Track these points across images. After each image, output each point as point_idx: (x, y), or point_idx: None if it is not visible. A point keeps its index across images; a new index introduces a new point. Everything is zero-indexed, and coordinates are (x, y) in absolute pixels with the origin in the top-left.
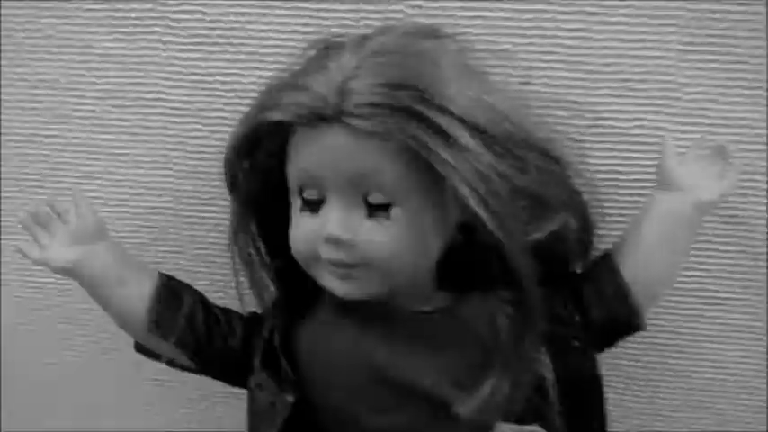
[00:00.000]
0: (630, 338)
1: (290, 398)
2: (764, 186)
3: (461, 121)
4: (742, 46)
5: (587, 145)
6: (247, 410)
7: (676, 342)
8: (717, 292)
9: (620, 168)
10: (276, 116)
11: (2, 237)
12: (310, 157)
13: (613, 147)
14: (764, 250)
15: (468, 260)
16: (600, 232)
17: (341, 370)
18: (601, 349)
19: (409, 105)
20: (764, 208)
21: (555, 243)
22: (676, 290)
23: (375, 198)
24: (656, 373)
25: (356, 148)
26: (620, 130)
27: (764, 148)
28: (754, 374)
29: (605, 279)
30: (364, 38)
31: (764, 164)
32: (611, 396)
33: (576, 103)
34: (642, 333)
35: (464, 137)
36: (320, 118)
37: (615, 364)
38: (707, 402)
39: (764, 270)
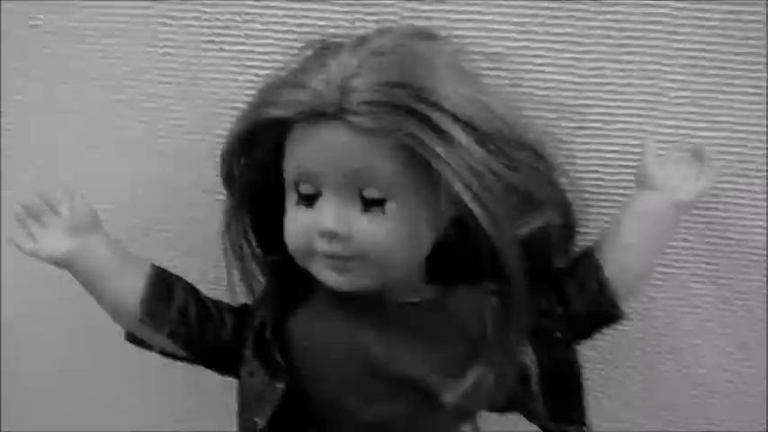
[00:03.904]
0: (629, 338)
1: (280, 385)
2: (751, 187)
3: (456, 118)
4: (727, 51)
5: (573, 146)
6: (237, 399)
7: (675, 341)
8: (716, 292)
9: (603, 168)
10: (276, 113)
11: (2, 235)
12: (308, 152)
13: (598, 148)
14: (763, 250)
15: (456, 253)
16: (582, 229)
17: (334, 361)
18: (582, 339)
19: (406, 103)
20: (749, 209)
21: (540, 239)
22: (676, 289)
23: (370, 193)
24: (656, 372)
25: (354, 145)
26: (604, 132)
27: (746, 150)
28: (754, 374)
29: (587, 274)
30: (363, 38)
31: (746, 166)
32: (608, 395)
33: (563, 105)
34: (639, 331)
35: (459, 134)
36: (320, 115)
37: (613, 362)
38: (707, 402)
39: (763, 270)
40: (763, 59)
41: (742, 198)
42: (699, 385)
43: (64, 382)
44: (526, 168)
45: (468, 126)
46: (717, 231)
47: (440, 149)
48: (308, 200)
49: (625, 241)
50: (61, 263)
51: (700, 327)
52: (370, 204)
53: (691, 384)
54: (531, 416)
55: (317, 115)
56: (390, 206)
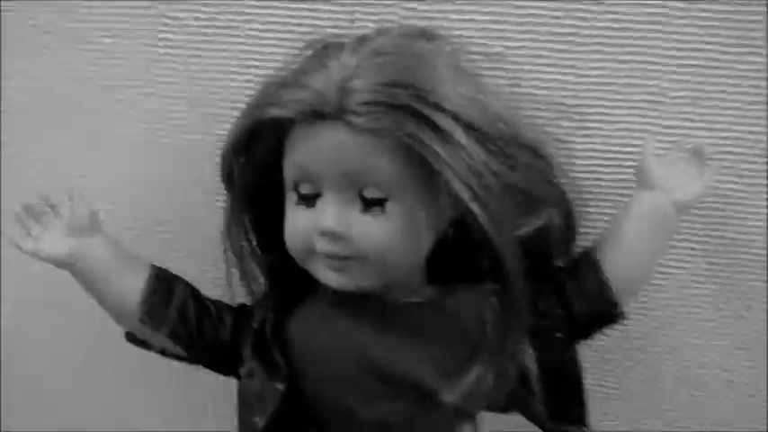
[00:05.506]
0: (629, 338)
1: (280, 386)
2: (751, 188)
3: (456, 118)
4: (726, 51)
5: (574, 146)
6: (237, 400)
7: (677, 341)
8: (718, 291)
9: (603, 168)
10: (277, 113)
11: (2, 236)
12: (308, 152)
13: (598, 148)
14: (763, 250)
15: (456, 253)
16: (582, 229)
17: (332, 361)
18: (582, 339)
19: (406, 103)
20: (749, 209)
21: (540, 238)
22: (679, 289)
23: (370, 193)
24: (657, 372)
25: (354, 145)
26: (605, 132)
27: (747, 150)
28: (755, 374)
29: (587, 274)
30: (363, 38)
31: (747, 166)
32: (610, 394)
33: (563, 105)
34: (641, 331)
35: (458, 134)
36: (320, 115)
37: (614, 361)
38: (707, 402)
39: (764, 270)
40: (764, 59)
41: (742, 198)
42: (699, 385)
43: (64, 382)
44: (525, 168)
45: (467, 126)
46: (716, 231)
47: (439, 149)
48: (308, 200)
49: (625, 241)
50: (61, 263)
51: (699, 327)
52: (371, 204)
53: (691, 384)
54: (531, 416)
55: (318, 115)
56: (390, 206)
